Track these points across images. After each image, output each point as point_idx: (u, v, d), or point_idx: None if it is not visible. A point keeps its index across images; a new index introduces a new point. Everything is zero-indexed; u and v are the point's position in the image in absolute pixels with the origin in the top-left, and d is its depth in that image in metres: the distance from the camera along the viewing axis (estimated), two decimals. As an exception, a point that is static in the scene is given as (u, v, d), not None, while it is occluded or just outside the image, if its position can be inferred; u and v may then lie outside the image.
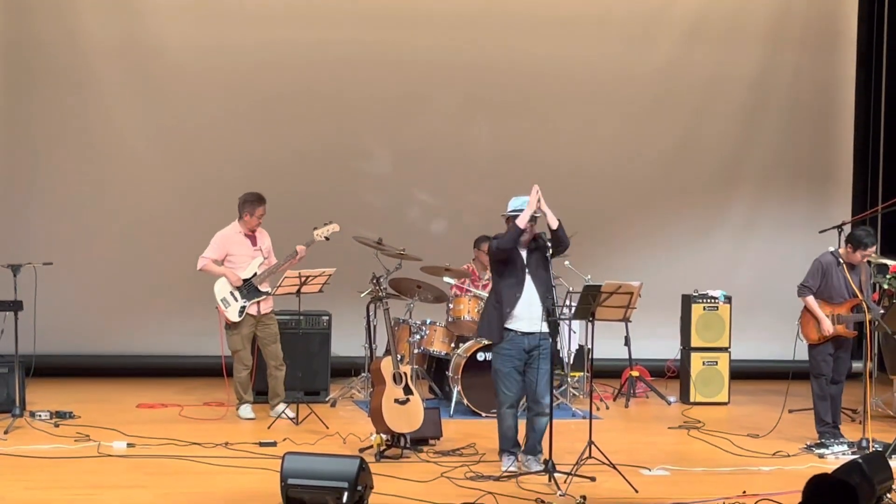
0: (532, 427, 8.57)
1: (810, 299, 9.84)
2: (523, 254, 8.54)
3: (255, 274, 10.59)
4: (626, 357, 12.06)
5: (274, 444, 9.29)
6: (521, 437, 8.72)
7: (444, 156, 13.45)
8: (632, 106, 13.75)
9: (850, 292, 9.77)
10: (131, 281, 12.83)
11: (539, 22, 13.48)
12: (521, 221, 8.40)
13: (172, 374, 12.66)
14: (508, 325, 8.50)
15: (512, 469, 8.48)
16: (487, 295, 11.05)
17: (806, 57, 14.03)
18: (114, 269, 12.82)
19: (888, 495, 7.79)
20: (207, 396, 11.48)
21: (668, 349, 12.61)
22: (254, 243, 10.71)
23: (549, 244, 8.39)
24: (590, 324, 8.62)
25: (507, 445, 8.64)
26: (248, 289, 10.57)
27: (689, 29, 13.82)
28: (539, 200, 8.40)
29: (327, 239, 10.68)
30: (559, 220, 8.46)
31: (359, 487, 7.22)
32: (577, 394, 11.80)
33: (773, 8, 13.97)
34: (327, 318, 11.68)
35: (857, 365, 11.28)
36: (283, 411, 10.52)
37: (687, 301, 12.17)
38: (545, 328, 8.40)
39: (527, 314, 8.44)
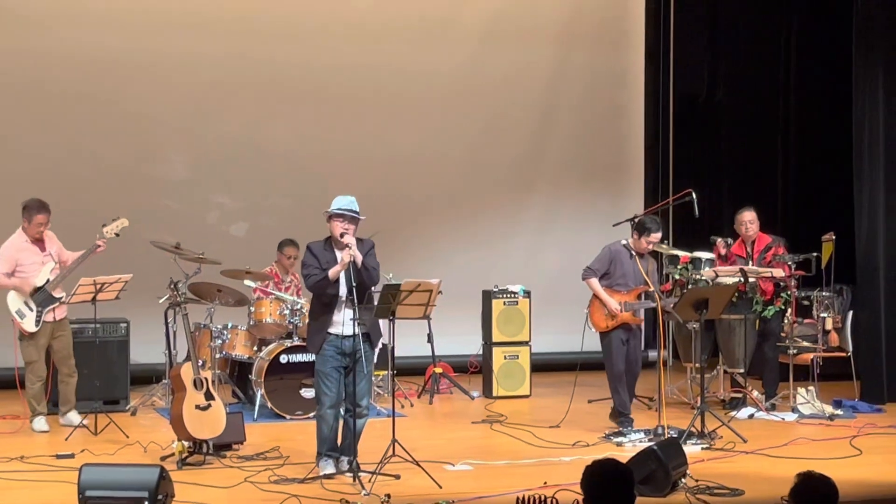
0: (350, 428, 8.53)
1: (593, 281, 10.06)
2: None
3: (48, 280, 10.31)
4: (430, 354, 12.21)
5: (72, 455, 9.05)
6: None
7: (241, 159, 13.29)
8: (431, 107, 13.85)
9: (639, 281, 10.02)
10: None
11: (335, 24, 13.47)
12: (333, 274, 8.38)
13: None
14: (330, 331, 8.46)
15: (330, 472, 8.40)
16: (293, 298, 11.14)
17: (597, 57, 14.36)
18: None
19: (683, 480, 8.08)
20: (2, 409, 11.11)
21: (471, 345, 12.73)
22: (42, 249, 10.41)
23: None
24: (391, 322, 8.67)
25: (326, 448, 8.52)
26: (42, 296, 10.28)
27: (483, 31, 13.97)
28: (352, 256, 8.35)
29: (117, 235, 10.43)
30: (374, 268, 8.49)
31: (159, 496, 7.12)
32: (381, 392, 11.83)
33: (565, 9, 14.24)
34: (125, 325, 11.43)
35: (652, 354, 11.58)
36: (76, 420, 10.29)
37: (487, 297, 12.33)
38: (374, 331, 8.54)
39: (346, 318, 8.41)
